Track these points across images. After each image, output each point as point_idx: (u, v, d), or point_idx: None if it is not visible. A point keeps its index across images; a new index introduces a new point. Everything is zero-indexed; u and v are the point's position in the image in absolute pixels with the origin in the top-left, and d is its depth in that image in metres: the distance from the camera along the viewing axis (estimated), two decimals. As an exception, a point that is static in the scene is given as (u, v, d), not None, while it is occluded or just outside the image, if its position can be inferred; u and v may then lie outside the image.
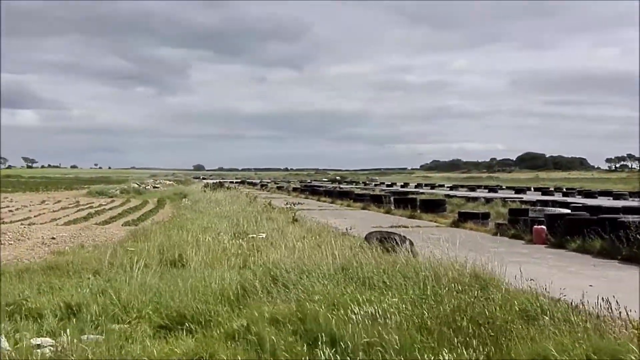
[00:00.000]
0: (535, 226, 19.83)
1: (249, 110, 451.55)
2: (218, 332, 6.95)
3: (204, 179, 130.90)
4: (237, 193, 48.26)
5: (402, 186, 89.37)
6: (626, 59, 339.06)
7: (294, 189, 70.95)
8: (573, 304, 7.86)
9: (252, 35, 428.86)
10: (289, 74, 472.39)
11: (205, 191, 50.92)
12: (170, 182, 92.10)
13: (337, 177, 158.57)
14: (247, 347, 6.36)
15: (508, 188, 77.09)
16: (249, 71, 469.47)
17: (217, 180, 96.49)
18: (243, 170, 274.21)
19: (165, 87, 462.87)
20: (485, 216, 26.28)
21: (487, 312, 7.24)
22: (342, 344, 6.22)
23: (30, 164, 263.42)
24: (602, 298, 7.41)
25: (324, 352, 5.95)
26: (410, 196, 41.59)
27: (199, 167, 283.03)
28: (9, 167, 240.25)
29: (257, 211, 25.37)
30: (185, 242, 13.47)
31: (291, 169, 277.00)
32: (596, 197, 53.84)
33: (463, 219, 25.64)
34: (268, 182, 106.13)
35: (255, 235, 15.18)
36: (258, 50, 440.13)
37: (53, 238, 19.17)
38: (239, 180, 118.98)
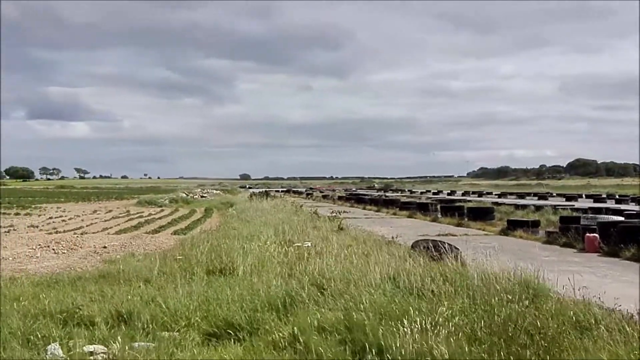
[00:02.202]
0: (588, 234, 19.32)
1: (294, 119, 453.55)
2: (265, 340, 6.98)
3: (250, 188, 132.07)
4: (283, 202, 48.51)
5: (448, 194, 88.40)
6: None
7: (339, 198, 70.95)
8: (628, 314, 7.64)
9: (295, 44, 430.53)
10: (332, 82, 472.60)
11: (251, 200, 51.34)
12: (217, 192, 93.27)
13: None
14: (294, 356, 6.37)
15: (558, 195, 75.41)
16: (294, 80, 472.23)
17: (263, 189, 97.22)
18: (288, 179, 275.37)
19: (212, 97, 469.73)
20: (535, 224, 25.69)
21: (539, 322, 7.10)
22: (389, 354, 6.16)
23: (82, 175, 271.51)
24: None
25: (373, 361, 5.91)
26: (457, 204, 41.05)
27: (245, 176, 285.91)
28: (62, 177, 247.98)
29: (302, 220, 25.45)
30: (233, 251, 13.58)
31: (336, 178, 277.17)
32: (651, 204, 52.07)
33: (512, 227, 25.15)
34: (313, 191, 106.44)
35: (301, 244, 15.21)
36: (302, 59, 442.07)
37: (105, 247, 19.61)
38: (285, 189, 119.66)
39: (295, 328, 7.14)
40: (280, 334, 7.07)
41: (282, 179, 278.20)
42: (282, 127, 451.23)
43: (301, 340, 6.74)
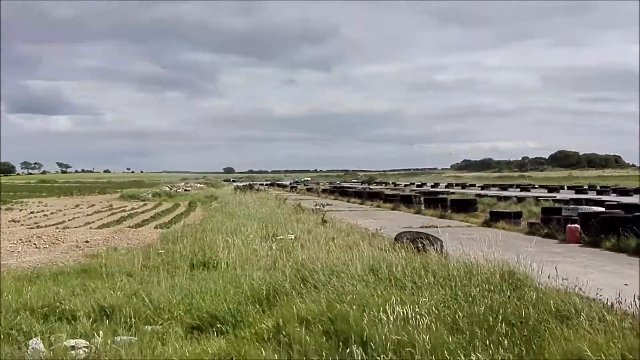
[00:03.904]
0: (569, 225, 19.53)
1: (279, 112, 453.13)
2: (249, 332, 6.99)
3: (234, 181, 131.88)
4: (267, 195, 48.49)
5: (432, 186, 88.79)
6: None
7: (324, 191, 71.01)
8: (608, 303, 7.74)
9: (281, 38, 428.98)
10: (318, 75, 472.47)
11: (235, 194, 51.26)
12: (201, 185, 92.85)
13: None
14: (277, 348, 6.38)
15: (541, 187, 76.09)
16: (279, 74, 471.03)
17: (247, 183, 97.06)
18: (273, 172, 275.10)
19: (196, 91, 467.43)
20: (518, 215, 25.93)
21: (520, 312, 7.17)
22: (372, 344, 6.19)
23: (64, 169, 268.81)
24: (638, 297, 7.26)
25: (354, 352, 5.94)
26: (441, 196, 41.26)
27: (229, 170, 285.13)
28: (44, 172, 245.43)
29: (286, 213, 25.43)
30: (216, 244, 13.55)
31: (321, 171, 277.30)
32: (631, 195, 52.70)
33: (495, 218, 25.36)
34: (297, 184, 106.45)
35: (284, 237, 15.21)
36: (287, 53, 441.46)
37: (87, 241, 19.47)
38: (269, 183, 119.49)
39: (278, 320, 7.15)
40: (264, 326, 7.08)
41: (267, 172, 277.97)
42: (267, 120, 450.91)
43: (285, 332, 6.76)
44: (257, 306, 8.14)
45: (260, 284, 9.15)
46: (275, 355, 6.12)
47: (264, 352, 6.16)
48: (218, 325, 7.50)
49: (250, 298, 8.50)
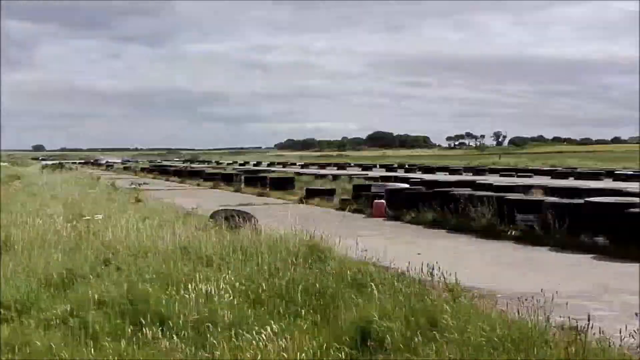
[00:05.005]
0: (376, 200, 20.74)
1: (101, 87, 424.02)
2: (37, 319, 6.51)
3: (43, 159, 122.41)
4: (80, 174, 45.77)
5: (254, 165, 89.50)
6: (473, 43, 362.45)
7: (142, 169, 68.66)
8: (399, 271, 8.38)
9: (108, 9, 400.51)
10: (146, 51, 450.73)
11: (42, 173, 47.70)
12: (5, 164, 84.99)
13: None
14: (67, 332, 6.03)
15: (356, 165, 79.82)
16: (104, 47, 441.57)
17: (58, 162, 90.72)
18: (89, 150, 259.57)
19: (7, 62, 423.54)
20: (331, 192, 27.04)
21: (320, 283, 7.51)
22: (170, 322, 6.12)
23: None
24: (427, 265, 7.91)
25: (149, 331, 5.82)
26: (261, 175, 41.79)
27: (39, 148, 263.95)
28: None
29: (98, 192, 24.18)
30: (12, 225, 12.48)
31: (142, 149, 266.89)
32: (434, 173, 57.22)
33: (310, 195, 26.23)
34: (114, 163, 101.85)
35: (91, 217, 14.41)
36: (114, 25, 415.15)
37: None
38: (83, 161, 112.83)
39: (72, 304, 6.80)
40: (55, 312, 6.65)
41: (82, 150, 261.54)
42: (86, 96, 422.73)
43: (78, 316, 6.43)
44: (51, 291, 7.62)
45: (57, 267, 8.57)
46: (64, 341, 5.78)
47: (50, 338, 5.78)
48: (3, 313, 6.89)
49: (44, 283, 7.93)
